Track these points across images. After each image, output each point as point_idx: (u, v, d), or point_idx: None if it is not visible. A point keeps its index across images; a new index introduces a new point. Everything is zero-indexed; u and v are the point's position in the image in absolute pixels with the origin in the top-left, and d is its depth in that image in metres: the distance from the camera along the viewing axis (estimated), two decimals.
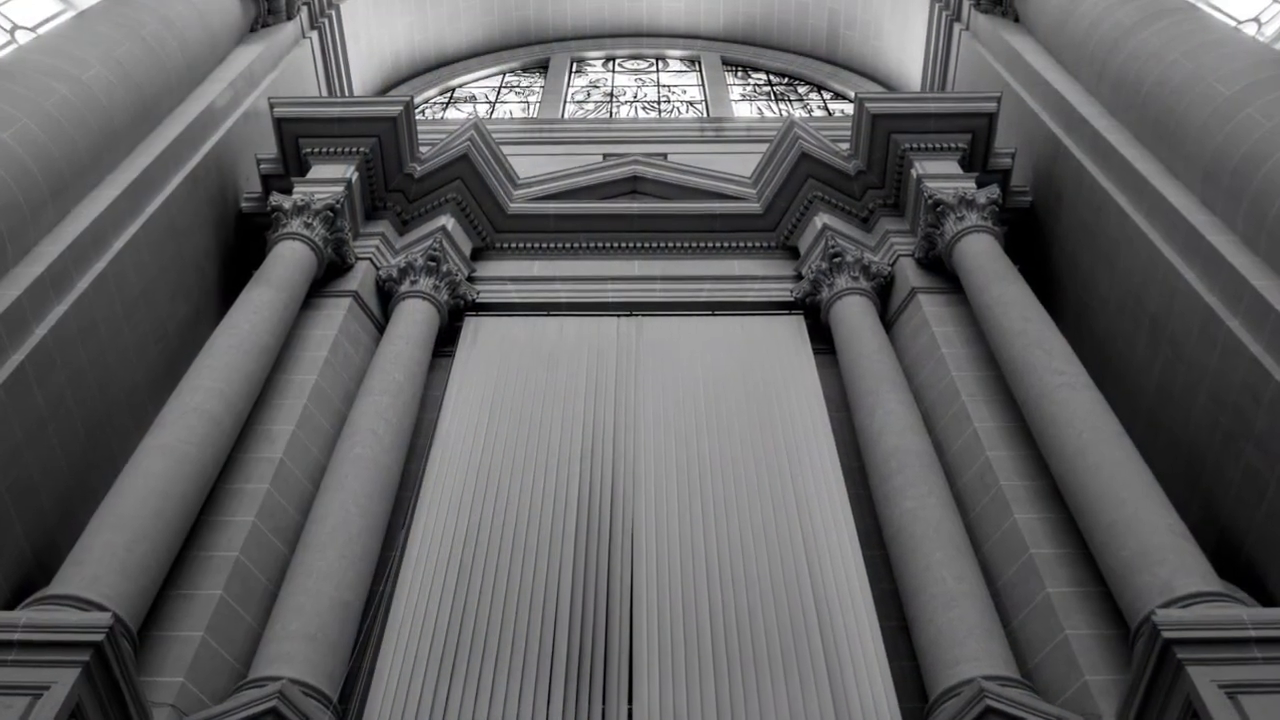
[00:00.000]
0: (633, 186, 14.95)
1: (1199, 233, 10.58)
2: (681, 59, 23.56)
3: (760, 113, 20.87)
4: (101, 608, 7.49)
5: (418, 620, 8.99)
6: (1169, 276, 10.89)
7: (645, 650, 8.74)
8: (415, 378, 11.51)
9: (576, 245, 14.08)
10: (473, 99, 21.88)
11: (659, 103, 21.45)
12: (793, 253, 13.95)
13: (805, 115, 20.47)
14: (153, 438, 9.10)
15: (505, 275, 13.73)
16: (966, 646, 8.11)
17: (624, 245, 14.07)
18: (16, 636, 6.99)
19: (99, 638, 7.05)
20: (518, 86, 22.39)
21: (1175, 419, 10.77)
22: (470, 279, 13.53)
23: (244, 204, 14.03)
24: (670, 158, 16.28)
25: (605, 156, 16.43)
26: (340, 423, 11.02)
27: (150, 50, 13.28)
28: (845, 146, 13.98)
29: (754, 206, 14.07)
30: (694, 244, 14.01)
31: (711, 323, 12.81)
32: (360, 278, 12.59)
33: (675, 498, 10.23)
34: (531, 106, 21.37)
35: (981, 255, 11.63)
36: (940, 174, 12.84)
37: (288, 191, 13.09)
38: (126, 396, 11.37)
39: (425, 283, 12.69)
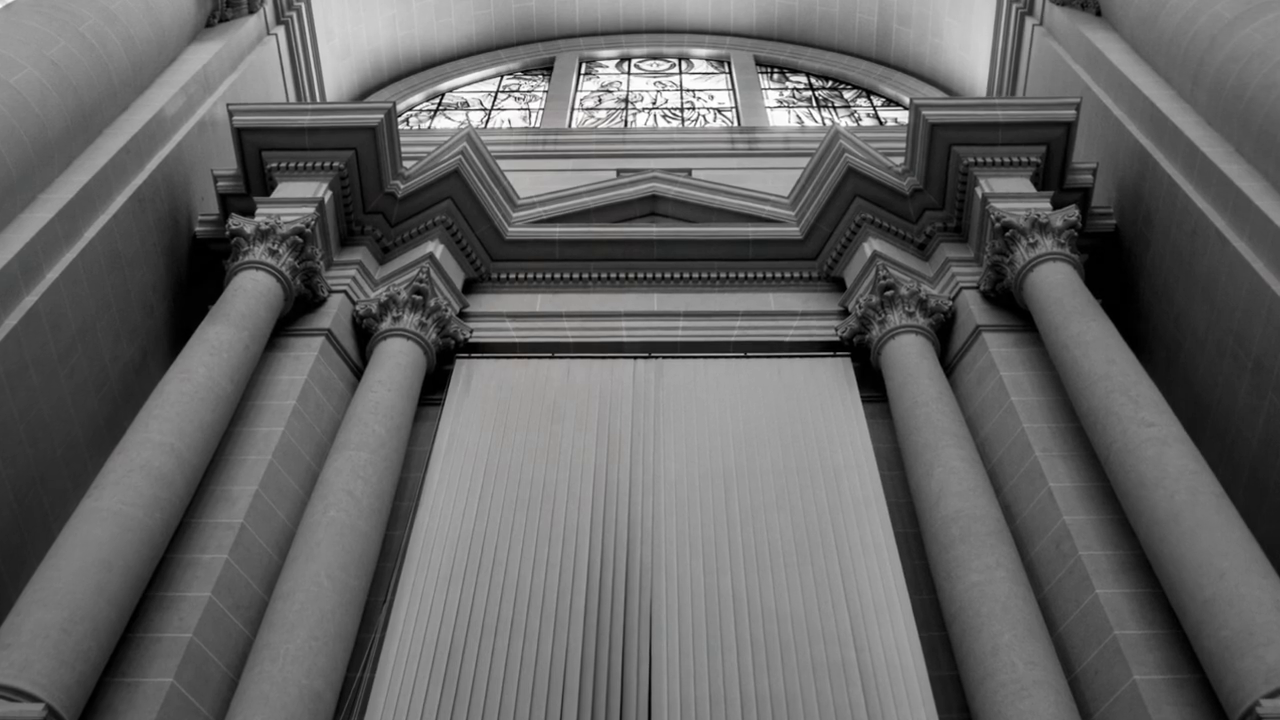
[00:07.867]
0: (651, 208, 15.17)
1: None
2: (708, 59, 23.85)
3: (799, 121, 21.16)
4: (33, 698, 7.60)
5: (400, 713, 9.12)
6: (1276, 312, 11.01)
7: None
8: (398, 430, 11.64)
9: (586, 276, 14.28)
10: (465, 105, 22.22)
11: (682, 110, 21.74)
12: (838, 284, 14.12)
13: (852, 124, 20.74)
14: (93, 500, 9.20)
15: (503, 311, 13.92)
16: None
17: (641, 276, 14.26)
18: None
19: None
20: (517, 91, 22.70)
21: None
22: (462, 315, 13.73)
23: (199, 228, 14.30)
24: (695, 174, 16.53)
25: (619, 173, 16.69)
26: (311, 482, 11.21)
27: (90, 49, 13.56)
28: (899, 161, 14.16)
29: (793, 231, 14.26)
30: (723, 274, 14.19)
31: (743, 366, 12.94)
32: (334, 314, 12.74)
33: (701, 571, 10.33)
34: (533, 114, 21.71)
35: (1058, 287, 11.73)
36: (1010, 193, 12.97)
37: (250, 213, 13.32)
38: (63, 452, 11.52)
39: (410, 319, 12.85)
